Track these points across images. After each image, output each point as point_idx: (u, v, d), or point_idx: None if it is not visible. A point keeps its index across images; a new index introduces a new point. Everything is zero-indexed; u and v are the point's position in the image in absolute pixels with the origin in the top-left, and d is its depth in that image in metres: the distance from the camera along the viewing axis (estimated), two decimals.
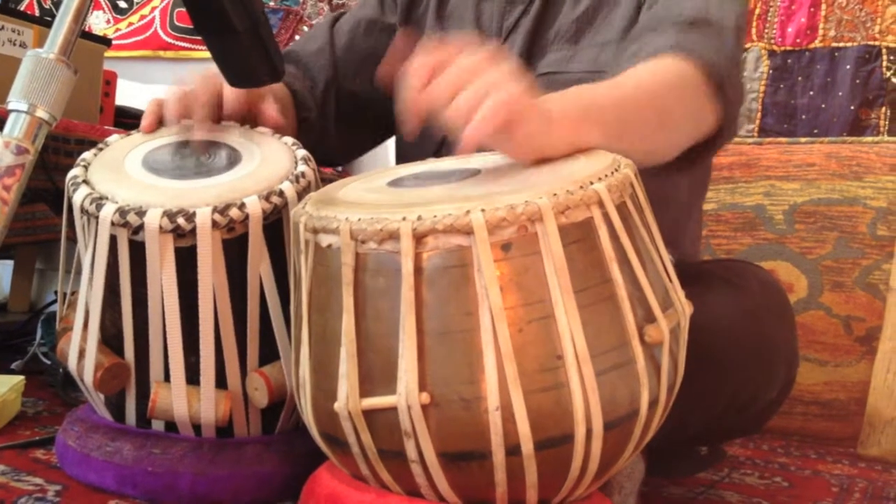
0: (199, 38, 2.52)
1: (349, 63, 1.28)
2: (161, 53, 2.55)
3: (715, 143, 1.02)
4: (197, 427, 0.93)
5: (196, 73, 1.04)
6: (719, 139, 1.02)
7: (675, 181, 1.21)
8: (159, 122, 1.04)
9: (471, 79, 0.76)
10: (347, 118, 1.30)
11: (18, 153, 0.66)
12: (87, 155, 0.97)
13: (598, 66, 1.12)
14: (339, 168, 2.27)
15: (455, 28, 1.25)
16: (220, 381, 0.92)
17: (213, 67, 0.99)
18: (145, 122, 1.04)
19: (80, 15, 0.70)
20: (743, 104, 1.10)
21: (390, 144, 1.41)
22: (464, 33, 1.23)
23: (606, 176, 0.75)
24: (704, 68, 0.96)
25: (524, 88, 0.77)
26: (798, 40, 1.94)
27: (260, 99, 1.06)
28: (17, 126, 0.67)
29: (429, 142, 1.19)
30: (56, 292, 1.87)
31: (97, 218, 0.88)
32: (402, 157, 1.32)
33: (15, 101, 0.68)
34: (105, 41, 1.84)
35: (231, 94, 1.02)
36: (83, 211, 0.90)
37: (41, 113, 0.68)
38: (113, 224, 0.87)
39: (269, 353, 0.93)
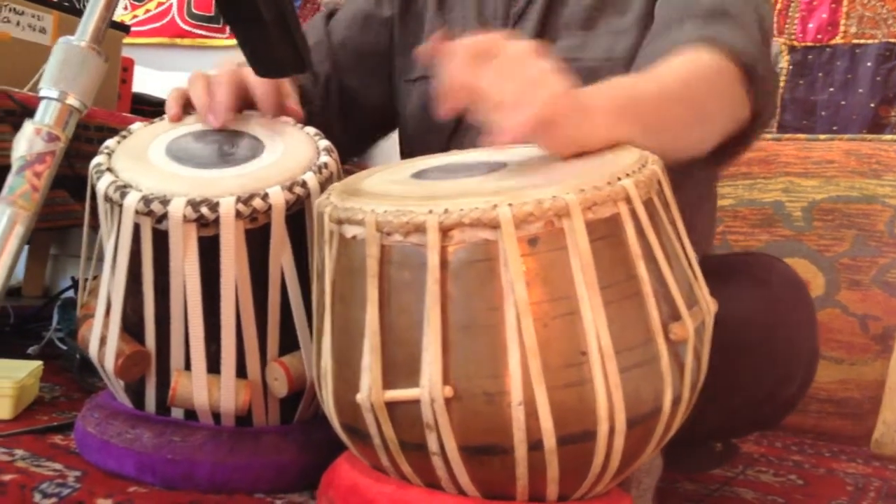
0: (216, 26, 2.53)
1: (347, 59, 1.28)
2: (178, 41, 2.55)
3: (752, 133, 1.00)
4: (216, 415, 0.93)
5: (219, 61, 1.04)
6: (756, 128, 1.00)
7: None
8: (185, 110, 1.03)
9: (516, 71, 0.75)
10: (348, 113, 1.29)
11: (49, 140, 0.66)
12: (110, 142, 0.97)
13: (613, 54, 1.11)
14: (355, 159, 2.27)
15: (457, 19, 1.24)
16: (241, 371, 0.92)
17: (235, 56, 0.98)
18: (171, 112, 1.03)
19: (111, 2, 0.70)
20: (777, 92, 1.09)
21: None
22: (466, 22, 1.23)
23: (634, 172, 0.75)
24: (735, 57, 0.95)
25: (568, 85, 0.77)
26: (819, 36, 1.93)
27: (286, 94, 1.06)
28: (48, 113, 0.67)
29: (437, 136, 1.18)
30: (73, 278, 1.88)
31: (121, 206, 0.88)
32: (408, 150, 1.31)
33: (46, 89, 0.68)
34: (123, 27, 1.84)
35: (260, 86, 1.02)
36: (107, 199, 0.90)
37: (72, 100, 0.68)
38: (137, 212, 0.87)
39: (289, 343, 0.93)
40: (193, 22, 2.54)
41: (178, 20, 2.56)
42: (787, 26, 1.97)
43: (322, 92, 1.27)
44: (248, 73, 0.99)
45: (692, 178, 1.17)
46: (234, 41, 0.89)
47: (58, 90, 0.67)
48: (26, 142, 0.65)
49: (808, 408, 1.67)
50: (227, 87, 1.00)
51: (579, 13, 1.16)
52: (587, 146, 0.80)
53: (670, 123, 0.88)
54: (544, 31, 1.17)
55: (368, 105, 1.31)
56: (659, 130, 0.84)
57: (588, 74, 0.86)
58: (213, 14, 2.52)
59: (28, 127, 0.66)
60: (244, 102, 1.03)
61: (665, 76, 0.91)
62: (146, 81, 2.16)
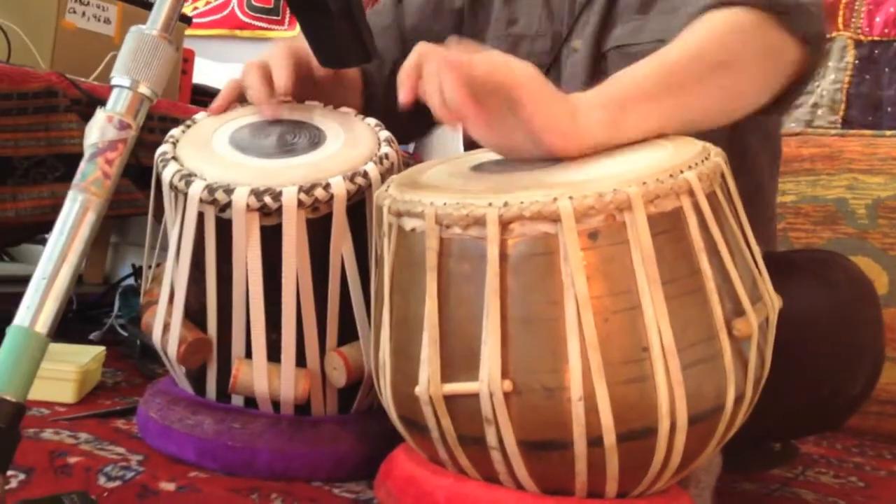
0: (275, 18, 2.55)
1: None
2: (237, 33, 2.58)
3: (812, 66, 0.97)
4: (276, 404, 0.94)
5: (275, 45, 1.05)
6: (812, 60, 0.97)
7: (753, 156, 1.18)
8: (232, 103, 1.05)
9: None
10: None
11: (121, 128, 0.67)
12: (175, 132, 0.98)
13: (667, 36, 1.10)
14: (410, 151, 2.28)
15: (524, 8, 1.24)
16: (300, 360, 0.92)
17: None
18: (216, 103, 1.04)
19: None
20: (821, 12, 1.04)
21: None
22: (532, 11, 1.22)
23: (696, 164, 0.74)
24: (758, 5, 0.92)
25: (484, 57, 0.79)
26: (886, 30, 1.88)
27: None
28: (119, 101, 0.68)
29: None
30: (133, 265, 1.92)
31: (186, 195, 0.89)
32: (473, 142, 1.31)
33: (118, 77, 0.69)
34: (185, 19, 1.87)
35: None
36: (172, 187, 0.91)
37: (143, 89, 0.69)
38: (201, 201, 0.88)
39: (348, 333, 0.94)
40: (253, 14, 2.57)
41: (237, 12, 2.59)
42: (853, 20, 1.92)
43: (388, 77, 1.27)
44: (304, 46, 0.99)
45: (746, 166, 1.15)
46: (292, 33, 0.90)
47: (129, 78, 0.68)
48: (98, 129, 0.67)
49: (868, 409, 1.63)
50: (285, 68, 1.00)
51: None
52: (586, 139, 0.79)
53: (681, 88, 0.85)
54: (609, 18, 1.16)
55: None
56: (668, 98, 0.83)
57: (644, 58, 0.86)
58: (272, 6, 2.55)
59: (100, 115, 0.68)
60: (304, 77, 1.04)
61: (671, 48, 0.88)
62: (205, 73, 2.19)
